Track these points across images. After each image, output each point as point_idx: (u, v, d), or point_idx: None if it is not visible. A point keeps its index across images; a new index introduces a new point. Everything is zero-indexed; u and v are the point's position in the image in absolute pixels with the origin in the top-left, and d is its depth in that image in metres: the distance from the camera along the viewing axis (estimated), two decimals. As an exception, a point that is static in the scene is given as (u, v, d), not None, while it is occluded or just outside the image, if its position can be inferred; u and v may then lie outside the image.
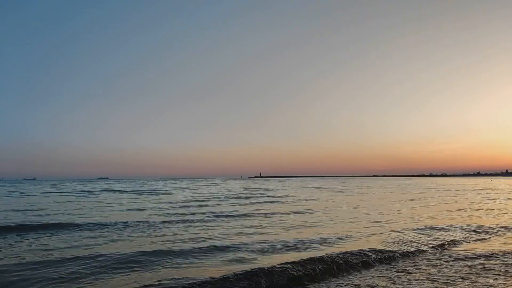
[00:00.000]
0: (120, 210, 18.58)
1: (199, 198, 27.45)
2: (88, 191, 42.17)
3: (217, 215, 15.38)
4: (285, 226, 12.18)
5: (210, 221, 13.75)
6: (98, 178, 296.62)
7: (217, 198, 28.04)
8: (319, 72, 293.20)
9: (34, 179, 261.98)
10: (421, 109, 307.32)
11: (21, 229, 11.37)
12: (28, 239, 9.78)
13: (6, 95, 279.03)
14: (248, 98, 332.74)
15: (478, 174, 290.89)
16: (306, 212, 16.85)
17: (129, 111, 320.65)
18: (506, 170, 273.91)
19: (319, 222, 13.15)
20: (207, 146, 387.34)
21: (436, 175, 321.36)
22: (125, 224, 12.46)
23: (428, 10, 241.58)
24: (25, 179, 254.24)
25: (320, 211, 17.38)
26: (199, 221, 13.66)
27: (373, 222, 13.14)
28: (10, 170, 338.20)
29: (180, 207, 19.94)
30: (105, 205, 21.86)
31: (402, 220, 13.73)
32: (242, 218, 14.69)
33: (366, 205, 20.70)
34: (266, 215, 15.60)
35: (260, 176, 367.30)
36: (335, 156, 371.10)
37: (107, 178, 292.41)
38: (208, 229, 11.63)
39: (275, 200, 24.84)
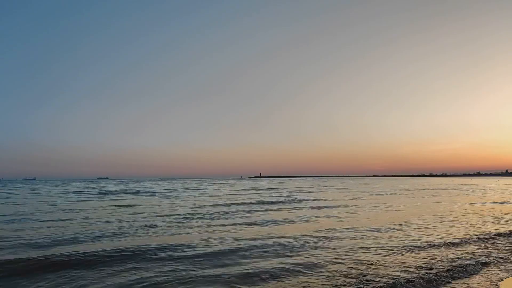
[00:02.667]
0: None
1: (250, 200, 26.52)
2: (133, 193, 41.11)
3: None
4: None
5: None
6: (98, 178, 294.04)
7: (278, 201, 27.13)
8: (320, 72, 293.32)
9: (34, 179, 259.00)
10: (422, 109, 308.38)
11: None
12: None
13: (6, 96, 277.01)
14: (248, 98, 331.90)
15: (478, 174, 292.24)
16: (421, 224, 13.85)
17: (129, 111, 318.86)
18: (506, 170, 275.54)
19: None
20: (207, 146, 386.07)
21: (436, 175, 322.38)
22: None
23: (428, 11, 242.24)
24: (25, 179, 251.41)
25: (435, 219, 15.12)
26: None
27: None
28: (10, 170, 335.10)
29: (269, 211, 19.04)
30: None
31: None
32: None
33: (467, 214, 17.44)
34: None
35: (260, 176, 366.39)
36: (335, 156, 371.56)
37: (107, 178, 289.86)
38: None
39: (333, 204, 23.84)
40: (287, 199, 28.60)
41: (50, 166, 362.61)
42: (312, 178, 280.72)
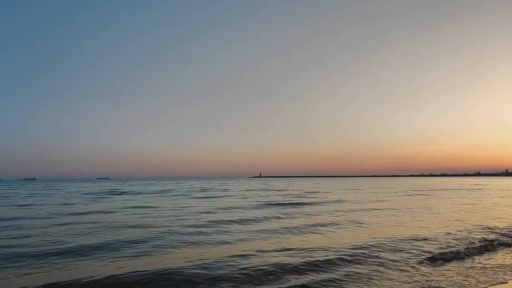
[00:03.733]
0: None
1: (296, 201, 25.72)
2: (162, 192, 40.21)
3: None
4: None
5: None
6: (98, 178, 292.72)
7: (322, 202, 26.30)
8: (323, 73, 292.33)
9: (34, 179, 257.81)
10: (424, 110, 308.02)
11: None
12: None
13: (7, 96, 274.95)
14: (249, 98, 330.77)
15: (478, 174, 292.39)
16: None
17: (129, 111, 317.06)
18: (506, 170, 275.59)
19: None
20: (207, 146, 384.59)
21: (436, 175, 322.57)
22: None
23: (432, 13, 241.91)
24: (25, 179, 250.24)
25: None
26: None
27: None
28: (10, 170, 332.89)
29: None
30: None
31: None
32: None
33: None
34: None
35: (260, 176, 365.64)
36: (336, 156, 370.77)
37: (107, 178, 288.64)
38: None
39: (372, 207, 23.02)
40: (312, 200, 27.75)
41: (50, 166, 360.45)
42: (312, 178, 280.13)
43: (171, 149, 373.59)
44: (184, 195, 36.00)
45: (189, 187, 61.98)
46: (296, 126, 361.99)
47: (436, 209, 19.85)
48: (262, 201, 26.10)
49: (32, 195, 39.09)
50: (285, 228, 13.07)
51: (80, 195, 37.84)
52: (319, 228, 13.20)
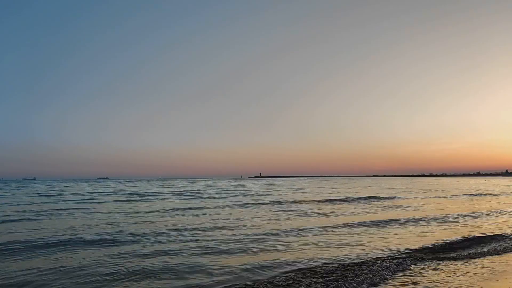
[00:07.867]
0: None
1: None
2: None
3: None
4: None
5: None
6: (98, 178, 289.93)
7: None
8: (325, 74, 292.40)
9: (34, 179, 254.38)
10: (426, 110, 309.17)
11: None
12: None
13: (9, 96, 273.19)
14: (251, 99, 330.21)
15: (478, 174, 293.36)
16: None
17: (130, 111, 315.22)
18: (506, 170, 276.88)
19: None
20: (207, 146, 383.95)
21: (436, 175, 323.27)
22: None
23: (432, 13, 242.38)
24: (25, 179, 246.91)
25: None
26: None
27: None
28: (10, 170, 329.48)
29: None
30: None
31: None
32: None
33: None
34: None
35: (260, 176, 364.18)
36: (337, 156, 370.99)
37: (107, 178, 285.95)
38: None
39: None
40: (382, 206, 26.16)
41: (50, 166, 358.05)
42: (313, 178, 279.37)
43: (171, 149, 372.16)
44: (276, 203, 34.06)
45: (202, 187, 59.67)
46: (296, 126, 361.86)
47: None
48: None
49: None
50: None
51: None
52: None
